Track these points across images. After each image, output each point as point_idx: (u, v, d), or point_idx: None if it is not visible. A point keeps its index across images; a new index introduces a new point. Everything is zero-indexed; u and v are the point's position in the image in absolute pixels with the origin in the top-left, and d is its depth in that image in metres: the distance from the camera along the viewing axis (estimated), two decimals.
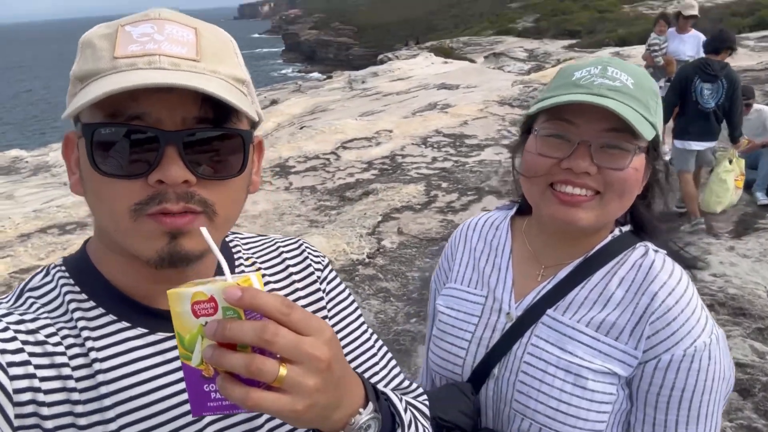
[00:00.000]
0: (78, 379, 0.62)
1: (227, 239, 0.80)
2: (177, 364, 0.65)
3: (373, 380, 0.81)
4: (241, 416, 0.68)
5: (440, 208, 5.92)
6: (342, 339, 0.81)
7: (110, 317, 0.66)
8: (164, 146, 0.59)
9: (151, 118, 0.59)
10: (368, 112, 11.11)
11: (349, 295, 0.87)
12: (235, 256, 0.79)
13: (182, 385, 0.63)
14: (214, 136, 0.62)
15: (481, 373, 0.93)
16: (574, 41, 25.39)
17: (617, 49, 17.57)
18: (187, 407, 0.60)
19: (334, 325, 0.81)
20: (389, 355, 0.87)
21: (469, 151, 7.98)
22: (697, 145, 4.60)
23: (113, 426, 0.61)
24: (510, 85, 13.08)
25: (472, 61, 20.73)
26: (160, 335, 0.67)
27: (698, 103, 4.48)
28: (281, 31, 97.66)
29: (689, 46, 6.10)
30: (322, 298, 0.82)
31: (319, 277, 0.83)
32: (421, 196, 6.28)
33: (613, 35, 23.35)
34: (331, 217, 5.95)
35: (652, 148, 0.86)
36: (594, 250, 0.89)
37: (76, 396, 0.61)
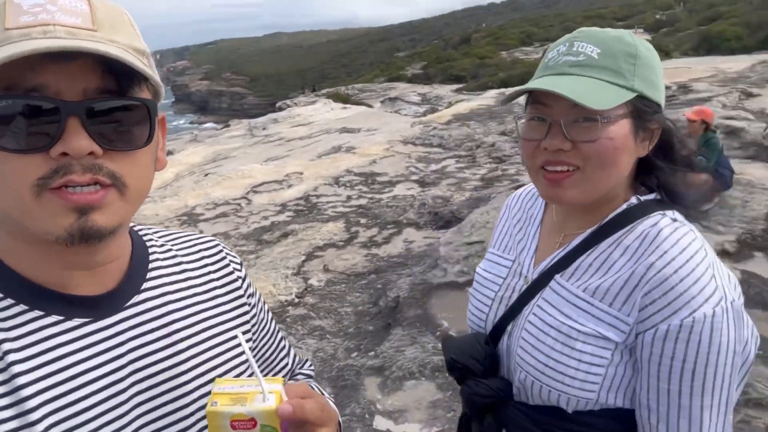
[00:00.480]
0: None
1: (141, 232, 0.79)
2: (97, 348, 0.65)
3: (286, 369, 0.92)
4: (171, 406, 0.70)
5: (363, 243, 5.93)
6: (263, 335, 0.87)
7: (21, 307, 0.63)
8: (66, 117, 0.56)
9: (49, 89, 0.57)
10: (274, 157, 11.01)
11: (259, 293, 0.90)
12: (149, 245, 0.78)
13: (105, 369, 0.64)
14: (118, 106, 0.61)
15: (499, 329, 1.00)
16: (461, 85, 27.01)
17: (502, 89, 18.88)
18: (112, 390, 0.64)
19: (257, 322, 0.85)
20: (285, 338, 0.96)
21: (382, 188, 8.12)
22: None
23: (37, 415, 0.59)
24: (410, 126, 13.62)
25: (369, 105, 21.36)
26: (76, 321, 0.65)
27: None
28: (170, 83, 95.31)
29: None
30: (242, 296, 0.83)
31: (235, 268, 0.84)
32: (342, 233, 6.26)
33: (495, 78, 25.14)
34: (251, 262, 5.75)
35: (642, 111, 0.86)
36: (606, 219, 0.91)
37: None
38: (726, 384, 0.80)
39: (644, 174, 0.93)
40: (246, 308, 0.82)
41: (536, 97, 0.88)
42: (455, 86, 27.24)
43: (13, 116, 0.55)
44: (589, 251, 0.90)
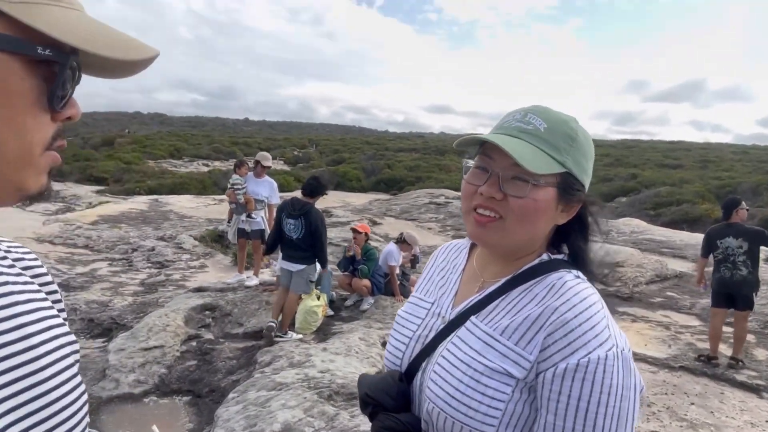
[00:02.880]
0: None
1: None
2: None
3: None
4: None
5: None
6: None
7: None
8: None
9: None
10: None
11: None
12: None
13: None
14: None
15: (414, 366, 1.03)
16: (102, 187, 24.99)
17: (155, 196, 18.26)
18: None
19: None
20: None
21: None
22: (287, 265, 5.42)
23: None
24: (42, 224, 11.79)
25: None
26: None
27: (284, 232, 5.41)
28: None
29: (264, 188, 7.34)
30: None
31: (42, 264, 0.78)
32: None
33: (143, 185, 24.20)
34: None
35: (568, 186, 0.98)
36: (520, 270, 1.02)
37: None
38: (619, 426, 0.89)
39: (558, 238, 1.07)
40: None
41: (485, 150, 1.00)
42: (96, 187, 25.07)
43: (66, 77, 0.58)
44: (503, 296, 1.00)
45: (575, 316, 0.90)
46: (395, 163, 34.99)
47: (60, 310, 0.71)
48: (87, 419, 0.65)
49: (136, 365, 4.59)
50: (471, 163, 1.03)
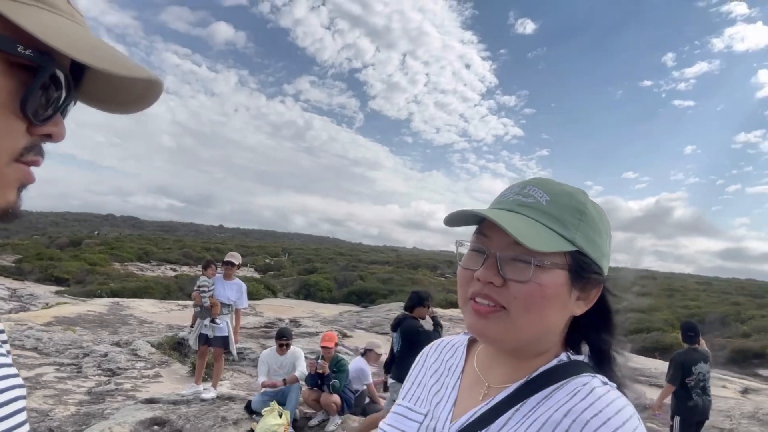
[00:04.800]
0: None
1: None
2: None
3: None
4: None
5: None
6: None
7: None
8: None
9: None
10: None
11: None
12: None
13: None
14: None
15: None
16: (62, 288, 24.07)
17: (116, 299, 17.57)
18: None
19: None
20: None
21: None
22: None
23: None
24: None
25: None
26: None
27: None
28: None
29: (233, 291, 6.89)
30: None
31: None
32: None
33: (106, 287, 23.40)
34: None
35: (581, 268, 0.83)
36: (534, 374, 0.85)
37: None
38: None
39: (576, 334, 0.89)
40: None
41: (480, 229, 0.86)
42: (56, 288, 24.13)
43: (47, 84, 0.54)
44: (517, 406, 0.82)
45: None
46: (368, 274, 34.87)
47: (8, 352, 0.69)
48: None
49: None
50: (465, 247, 0.88)
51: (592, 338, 0.89)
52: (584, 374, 0.83)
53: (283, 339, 6.18)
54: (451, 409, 0.89)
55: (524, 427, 0.80)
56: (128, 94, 0.58)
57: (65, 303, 16.74)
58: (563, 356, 0.87)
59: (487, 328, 0.82)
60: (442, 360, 1.01)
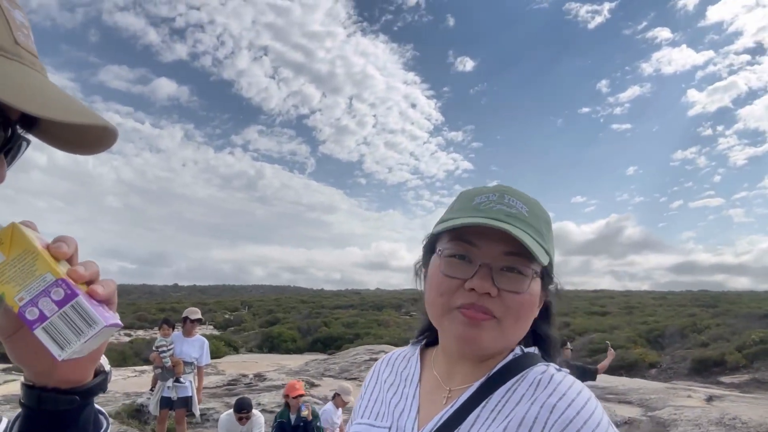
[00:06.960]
0: None
1: None
2: None
3: None
4: None
5: None
6: None
7: None
8: None
9: None
10: None
11: None
12: None
13: None
14: None
15: None
16: (10, 365, 22.61)
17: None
18: None
19: None
20: None
21: None
22: None
23: None
24: None
25: None
26: None
27: None
28: None
29: (194, 348, 6.58)
30: None
31: None
32: None
33: None
34: None
35: (546, 274, 0.88)
36: (494, 370, 0.87)
37: None
38: None
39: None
40: None
41: (460, 234, 0.84)
42: (2, 365, 22.69)
43: None
44: (483, 403, 0.84)
45: (577, 413, 0.77)
46: (332, 320, 34.33)
47: None
48: None
49: None
50: (445, 248, 0.86)
51: (541, 331, 0.94)
52: (539, 364, 0.88)
53: (243, 412, 5.75)
54: (415, 418, 0.89)
55: (493, 421, 0.81)
56: (87, 136, 0.57)
57: (13, 380, 15.74)
58: (517, 350, 0.91)
59: (480, 337, 0.82)
60: (396, 372, 1.01)
